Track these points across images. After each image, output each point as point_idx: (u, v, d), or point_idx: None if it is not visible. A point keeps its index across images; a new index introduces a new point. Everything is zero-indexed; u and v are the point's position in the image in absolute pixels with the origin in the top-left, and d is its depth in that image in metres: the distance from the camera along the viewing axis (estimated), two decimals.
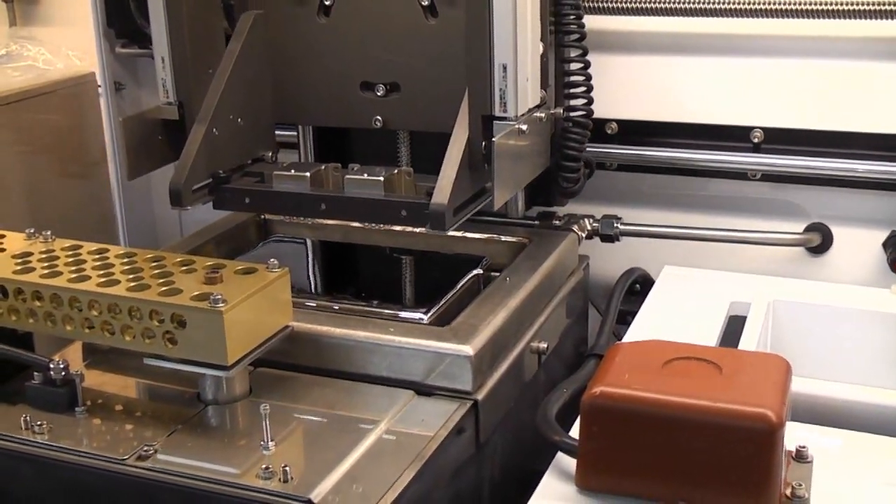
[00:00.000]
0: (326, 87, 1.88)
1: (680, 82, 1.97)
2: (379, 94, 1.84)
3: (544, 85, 1.76)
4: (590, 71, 1.86)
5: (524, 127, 1.63)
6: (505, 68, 1.59)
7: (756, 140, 1.93)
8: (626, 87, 2.00)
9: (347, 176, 1.70)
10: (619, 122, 2.01)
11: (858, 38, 1.85)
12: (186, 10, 1.77)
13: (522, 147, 1.67)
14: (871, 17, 1.77)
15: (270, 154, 1.90)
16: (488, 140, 1.59)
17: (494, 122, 1.61)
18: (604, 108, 1.94)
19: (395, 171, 1.71)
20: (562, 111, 1.85)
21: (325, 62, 1.86)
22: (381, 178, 1.68)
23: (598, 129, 1.94)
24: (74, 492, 1.39)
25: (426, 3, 1.77)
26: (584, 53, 1.85)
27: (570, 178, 1.89)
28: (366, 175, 1.69)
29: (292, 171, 1.75)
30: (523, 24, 1.60)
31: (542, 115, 1.73)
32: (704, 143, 1.96)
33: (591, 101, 1.88)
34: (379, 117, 1.85)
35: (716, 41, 1.93)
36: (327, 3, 1.84)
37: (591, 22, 1.87)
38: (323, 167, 1.77)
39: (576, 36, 1.84)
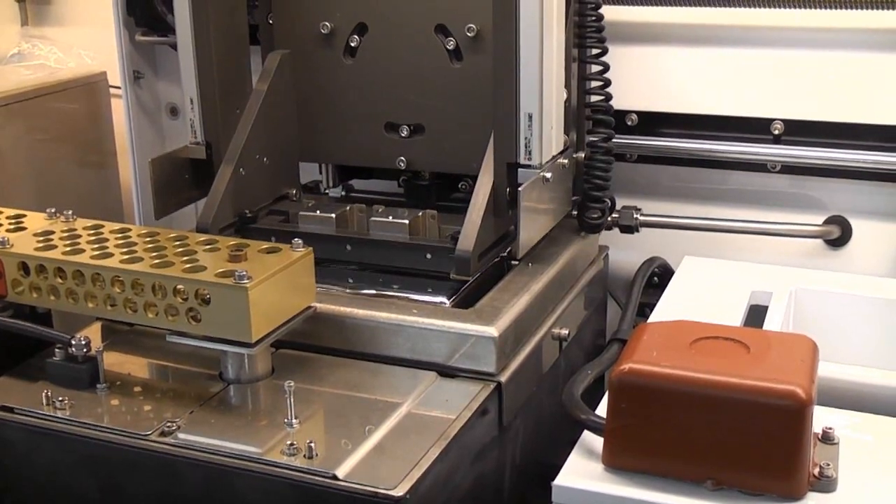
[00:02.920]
0: (351, 127, 1.91)
1: (701, 73, 1.97)
2: (403, 135, 1.87)
3: (567, 130, 1.78)
4: (612, 104, 1.86)
5: (548, 175, 1.65)
6: (531, 118, 1.62)
7: (776, 132, 1.93)
8: (646, 79, 2.00)
9: (372, 218, 1.75)
10: (639, 113, 2.01)
11: (881, 30, 1.84)
12: (215, 53, 1.81)
13: (546, 194, 1.70)
14: (890, 7, 1.77)
15: (294, 192, 1.94)
16: (513, 187, 1.63)
17: (519, 169, 1.64)
18: (624, 99, 1.94)
19: (420, 213, 1.75)
20: (583, 156, 1.86)
21: (350, 102, 1.90)
22: (406, 221, 1.72)
23: (619, 121, 1.93)
24: (96, 467, 1.39)
25: (451, 46, 1.80)
26: (607, 85, 1.85)
27: (594, 219, 1.89)
28: (390, 217, 1.74)
29: (318, 211, 1.79)
30: (549, 74, 1.62)
31: (566, 160, 1.75)
32: (725, 134, 1.96)
33: (611, 137, 1.87)
34: (403, 158, 1.88)
35: (737, 32, 1.93)
36: (353, 44, 1.87)
37: (612, 13, 1.87)
38: (348, 208, 1.81)
39: (598, 50, 1.84)
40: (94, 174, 2.46)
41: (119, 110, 2.37)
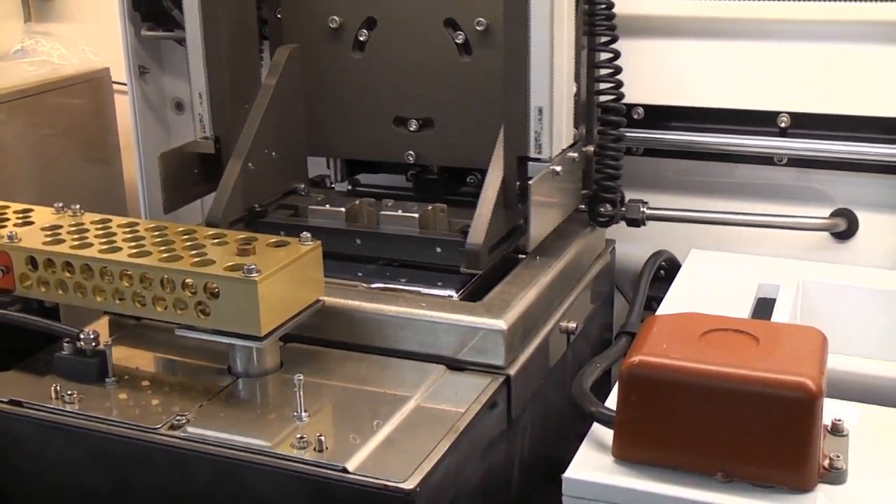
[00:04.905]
0: (360, 121, 1.91)
1: (707, 66, 1.97)
2: (412, 129, 1.88)
3: (577, 124, 1.78)
4: (623, 104, 1.86)
5: (559, 168, 1.66)
6: (541, 111, 1.62)
7: (783, 125, 1.93)
8: (652, 72, 1.99)
9: (382, 212, 1.75)
10: (645, 106, 2.01)
11: (888, 23, 1.84)
12: (224, 48, 1.82)
13: (556, 188, 1.70)
14: None
15: (303, 186, 1.94)
16: (523, 180, 1.63)
17: (529, 163, 1.64)
18: (630, 92, 1.92)
19: (429, 207, 1.76)
20: (593, 149, 1.86)
21: (358, 97, 1.90)
22: (416, 215, 1.72)
23: (625, 114, 1.92)
24: (105, 461, 1.39)
25: (460, 40, 1.80)
26: (617, 73, 1.85)
27: (605, 212, 1.89)
28: (400, 211, 1.75)
29: (327, 206, 1.80)
30: (559, 67, 1.62)
31: (576, 154, 1.76)
32: (731, 127, 1.96)
33: (622, 125, 1.86)
34: (412, 152, 1.89)
35: (744, 25, 1.93)
36: (362, 38, 1.87)
37: (618, 6, 1.86)
38: (357, 202, 1.81)
39: (607, 38, 1.83)
40: (97, 170, 2.46)
41: (122, 106, 2.37)
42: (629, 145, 2.00)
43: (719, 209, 2.01)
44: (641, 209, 1.96)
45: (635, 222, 1.96)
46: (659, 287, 1.89)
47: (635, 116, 2.01)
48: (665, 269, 1.97)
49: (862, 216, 1.96)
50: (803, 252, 1.98)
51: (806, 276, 1.83)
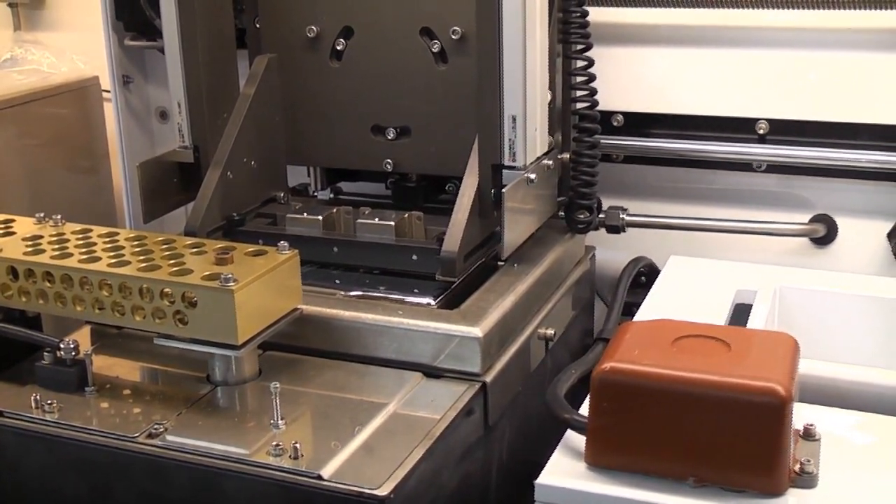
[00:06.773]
0: (338, 129, 1.93)
1: (686, 74, 1.98)
2: (389, 137, 1.89)
3: (553, 132, 1.79)
4: (597, 110, 1.87)
5: (533, 176, 1.67)
6: (514, 119, 1.63)
7: (761, 131, 1.94)
8: (632, 79, 2.00)
9: (359, 220, 1.76)
10: (624, 114, 2.02)
11: (864, 30, 1.86)
12: (203, 57, 1.83)
13: (531, 195, 1.71)
14: (875, 7, 1.79)
15: (282, 194, 1.95)
16: (498, 188, 1.64)
17: (504, 171, 1.65)
18: (609, 100, 1.95)
19: (406, 215, 1.76)
20: (569, 156, 1.87)
21: (336, 105, 1.91)
22: (392, 223, 1.73)
23: (605, 122, 1.94)
24: (85, 470, 1.40)
25: (436, 49, 1.81)
26: (592, 80, 1.85)
27: (582, 219, 1.90)
28: (377, 219, 1.75)
29: (304, 214, 1.80)
30: (532, 76, 1.64)
31: (550, 162, 1.76)
32: (710, 134, 1.97)
33: (597, 132, 1.87)
34: (389, 160, 1.90)
35: (722, 32, 1.94)
36: (339, 47, 1.88)
37: (598, 14, 1.88)
38: (335, 210, 1.82)
39: (581, 46, 1.84)
40: (87, 178, 2.47)
41: (111, 114, 2.38)
42: (609, 152, 2.01)
43: (699, 216, 2.02)
44: (621, 216, 1.97)
45: (615, 229, 1.97)
46: (639, 293, 1.90)
47: (615, 124, 2.02)
48: (645, 276, 1.98)
49: (841, 221, 1.97)
50: (783, 258, 1.99)
51: (784, 281, 1.84)
